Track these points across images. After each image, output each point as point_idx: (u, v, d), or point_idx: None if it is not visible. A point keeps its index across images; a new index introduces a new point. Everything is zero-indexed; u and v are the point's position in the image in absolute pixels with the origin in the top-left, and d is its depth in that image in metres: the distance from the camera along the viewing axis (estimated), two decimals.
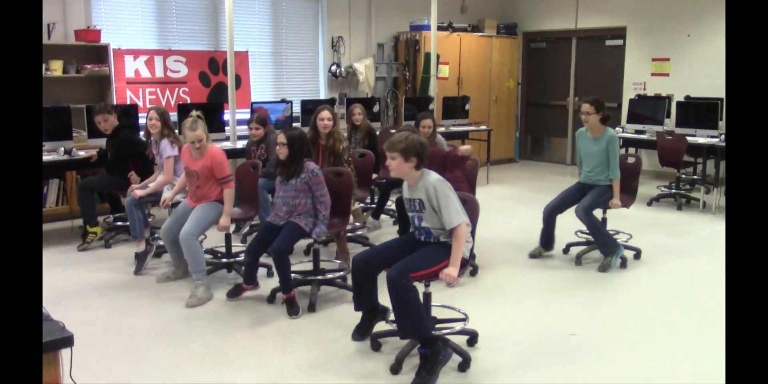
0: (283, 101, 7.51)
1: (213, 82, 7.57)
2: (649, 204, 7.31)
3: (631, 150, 8.90)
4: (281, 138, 4.09)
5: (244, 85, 7.76)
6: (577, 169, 5.34)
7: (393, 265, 3.26)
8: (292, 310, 4.04)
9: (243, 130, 6.88)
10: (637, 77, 9.31)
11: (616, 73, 9.58)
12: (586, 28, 9.86)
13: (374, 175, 5.74)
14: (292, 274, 4.17)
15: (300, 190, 4.10)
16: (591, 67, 10.08)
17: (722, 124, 7.54)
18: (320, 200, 4.13)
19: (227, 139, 6.77)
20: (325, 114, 5.16)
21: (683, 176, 7.62)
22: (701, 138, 7.07)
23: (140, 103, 6.95)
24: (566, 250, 5.33)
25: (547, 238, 5.23)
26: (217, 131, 6.61)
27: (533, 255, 5.25)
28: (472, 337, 3.59)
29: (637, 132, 7.88)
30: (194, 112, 4.38)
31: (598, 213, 5.03)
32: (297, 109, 7.43)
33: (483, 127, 9.01)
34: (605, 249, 4.95)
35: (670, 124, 7.91)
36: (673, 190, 7.49)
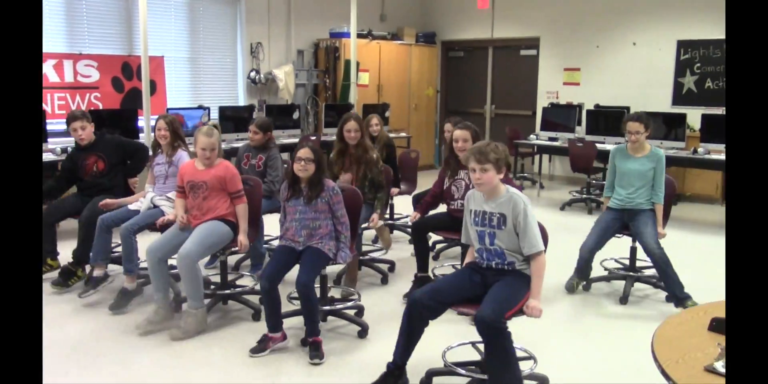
0: (200, 107, 7.38)
1: (127, 88, 7.36)
2: (562, 208, 7.57)
3: (545, 157, 9.22)
4: (306, 153, 3.62)
5: (160, 90, 7.58)
6: (605, 193, 4.77)
7: (464, 303, 2.90)
8: (317, 354, 3.47)
9: None
10: (550, 86, 9.64)
11: (530, 81, 9.89)
12: (502, 38, 10.14)
13: (395, 190, 5.44)
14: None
15: (321, 211, 3.68)
16: (507, 75, 10.37)
17: None
18: (341, 221, 3.73)
19: None
20: (352, 125, 4.65)
21: (593, 181, 7.94)
22: (609, 145, 7.38)
23: (48, 110, 6.68)
24: (588, 287, 4.75)
25: (585, 272, 4.64)
26: (131, 138, 6.42)
27: (569, 287, 4.67)
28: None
29: (550, 139, 8.18)
30: (210, 122, 4.03)
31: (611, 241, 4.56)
32: (215, 115, 7.30)
33: (403, 134, 9.11)
34: (678, 289, 4.25)
35: (581, 131, 8.23)
36: (584, 195, 7.79)
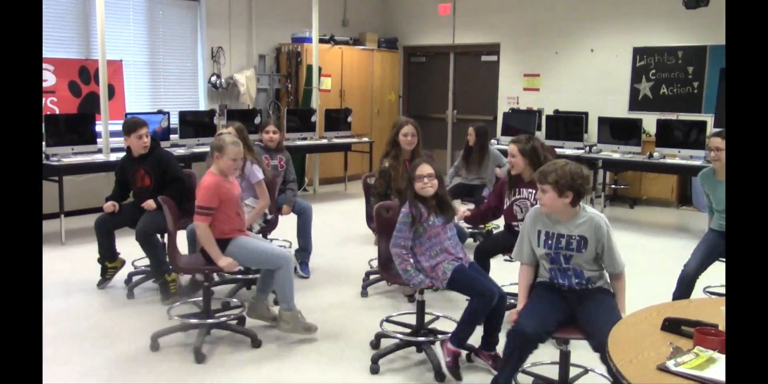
0: (159, 112, 7.29)
1: (84, 92, 7.23)
2: None
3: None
4: (426, 169, 3.42)
5: (118, 95, 7.46)
6: (709, 213, 4.30)
7: (559, 330, 2.81)
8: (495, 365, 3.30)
9: (116, 141, 6.63)
10: (511, 92, 9.76)
11: (491, 87, 9.99)
12: (463, 44, 10.23)
13: None
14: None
15: (450, 227, 3.55)
16: (468, 81, 10.46)
17: (587, 136, 8.04)
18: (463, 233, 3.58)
19: (99, 151, 6.47)
20: (408, 129, 4.50)
21: None
22: (568, 149, 7.50)
23: None
24: None
25: (685, 296, 3.97)
26: (88, 143, 6.33)
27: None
28: None
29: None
30: (225, 130, 4.11)
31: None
32: (175, 120, 7.21)
33: (365, 140, 9.12)
34: None
35: (540, 136, 8.34)
36: None
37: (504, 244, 3.94)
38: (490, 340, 3.38)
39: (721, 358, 1.96)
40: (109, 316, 4.22)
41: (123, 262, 4.81)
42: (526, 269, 3.07)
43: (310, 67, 8.85)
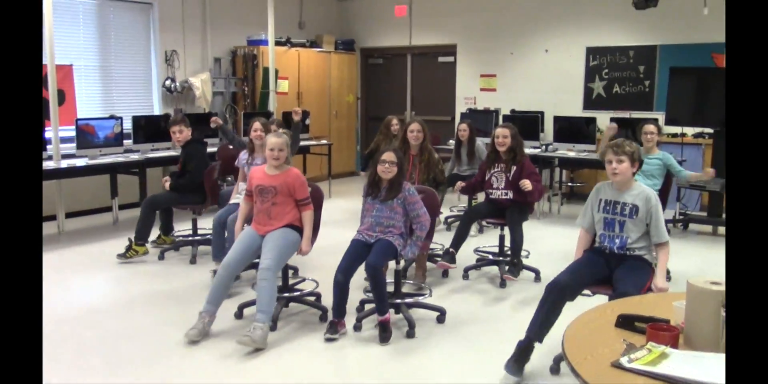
0: (112, 117, 7.14)
1: None
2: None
3: None
4: (390, 156, 3.94)
5: (69, 100, 7.29)
6: None
7: (596, 284, 3.33)
8: (385, 335, 3.81)
9: (66, 148, 6.49)
10: (468, 92, 9.83)
11: (448, 87, 10.05)
12: (420, 45, 10.27)
13: None
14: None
15: (396, 212, 3.97)
16: (426, 82, 10.50)
17: (543, 135, 8.14)
18: (418, 221, 3.98)
19: (50, 158, 6.32)
20: (415, 126, 5.16)
21: None
22: (526, 149, 7.56)
23: None
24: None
25: None
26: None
27: None
28: None
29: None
30: (273, 127, 4.62)
31: None
32: (128, 125, 7.07)
33: (324, 142, 9.08)
34: None
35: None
36: None
37: (483, 210, 5.16)
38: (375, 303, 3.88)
39: (673, 353, 1.99)
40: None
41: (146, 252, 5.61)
42: (585, 235, 3.62)
43: (266, 70, 8.78)
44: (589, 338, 2.18)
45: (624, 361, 1.95)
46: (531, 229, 5.79)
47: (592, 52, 8.75)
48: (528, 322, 3.30)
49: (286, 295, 4.32)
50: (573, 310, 2.65)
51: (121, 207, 7.10)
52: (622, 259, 3.39)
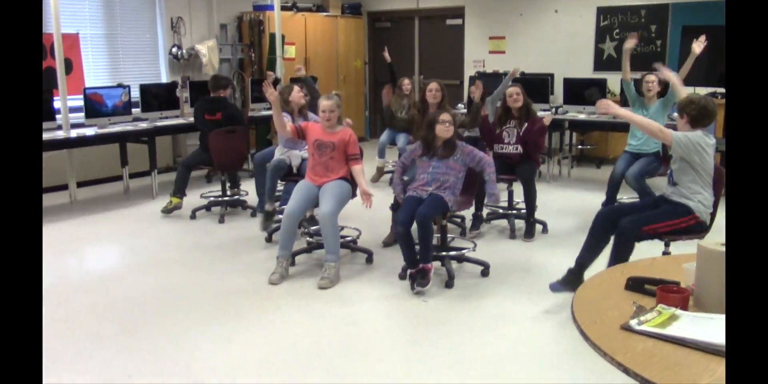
0: (119, 86, 7.11)
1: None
2: None
3: None
4: (447, 117, 4.22)
5: (76, 69, 7.27)
6: None
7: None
8: (423, 282, 4.06)
9: (75, 118, 6.48)
10: (477, 55, 9.71)
11: (456, 51, 9.93)
12: (428, 8, 10.11)
13: None
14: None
15: (452, 168, 4.25)
16: (433, 45, 10.38)
17: (553, 98, 8.06)
18: (482, 164, 4.26)
19: (59, 128, 6.32)
20: (434, 85, 5.41)
21: None
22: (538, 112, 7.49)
23: None
24: None
25: None
26: (47, 120, 6.15)
27: None
28: None
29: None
30: (334, 91, 4.76)
31: None
32: (135, 93, 7.05)
33: None
34: None
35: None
36: None
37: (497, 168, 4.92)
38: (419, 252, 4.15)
39: (683, 315, 2.00)
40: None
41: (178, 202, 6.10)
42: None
43: (273, 36, 8.69)
44: (599, 301, 2.20)
45: (633, 323, 1.96)
46: (542, 193, 5.77)
47: (602, 11, 8.59)
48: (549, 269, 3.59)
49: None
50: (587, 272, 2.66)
51: (132, 175, 7.13)
52: (666, 202, 3.72)
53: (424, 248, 4.08)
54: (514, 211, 5.59)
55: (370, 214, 4.85)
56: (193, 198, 6.28)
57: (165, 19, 8.27)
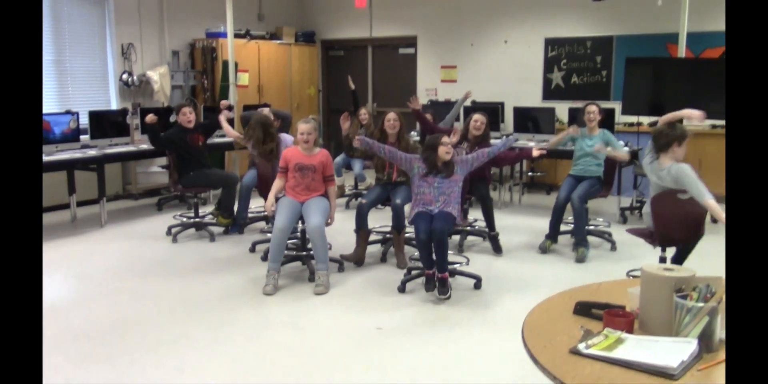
0: (68, 112, 6.99)
1: None
2: None
3: None
4: (448, 139, 4.61)
5: None
6: None
7: None
8: (444, 290, 4.43)
9: None
10: (429, 83, 9.87)
11: (409, 79, 10.08)
12: (380, 37, 10.27)
13: None
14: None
15: (454, 180, 4.59)
16: (387, 74, 10.52)
17: (503, 125, 8.23)
18: (481, 157, 4.72)
19: None
20: (391, 115, 5.50)
21: None
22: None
23: None
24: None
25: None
26: None
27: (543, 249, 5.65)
28: None
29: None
30: (311, 115, 5.21)
31: None
32: (84, 120, 6.94)
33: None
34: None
35: (460, 126, 8.46)
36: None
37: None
38: (436, 261, 4.45)
39: (629, 338, 2.05)
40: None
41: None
42: None
43: (225, 63, 8.68)
44: (548, 326, 2.23)
45: (581, 347, 1.99)
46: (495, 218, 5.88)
47: (550, 42, 8.86)
48: None
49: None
50: (534, 296, 2.70)
51: (79, 203, 6.98)
52: None
53: (442, 260, 4.41)
54: (469, 228, 5.97)
55: (330, 235, 4.99)
56: (144, 226, 6.17)
57: (115, 45, 8.20)
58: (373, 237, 5.57)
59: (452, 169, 4.60)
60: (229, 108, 6.87)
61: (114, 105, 8.23)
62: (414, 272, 4.80)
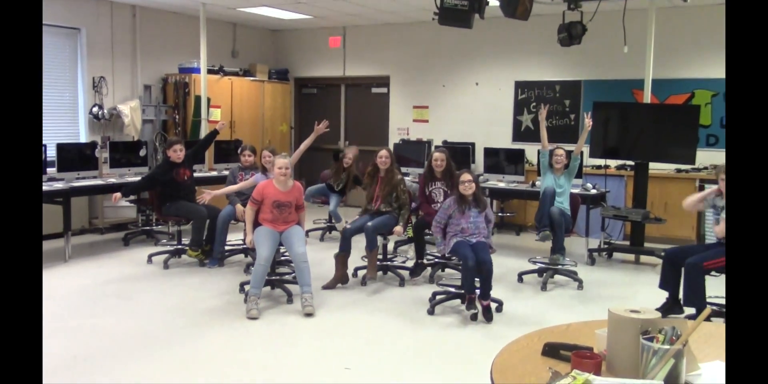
0: None
1: None
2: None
3: None
4: (466, 177, 5.03)
5: None
6: None
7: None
8: (489, 315, 4.82)
9: None
10: (401, 123, 9.97)
11: (382, 118, 10.17)
12: (354, 76, 10.39)
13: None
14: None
15: (481, 215, 5.08)
16: (359, 112, 10.61)
17: (474, 166, 8.31)
18: (489, 219, 5.19)
19: None
20: (383, 153, 5.98)
21: None
22: None
23: None
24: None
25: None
26: None
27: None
28: None
29: (403, 175, 8.39)
30: (284, 153, 5.54)
31: None
32: (52, 153, 6.85)
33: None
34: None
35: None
36: None
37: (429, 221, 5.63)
38: (482, 290, 4.86)
39: (596, 380, 2.04)
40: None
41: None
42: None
43: (198, 98, 8.69)
44: (517, 367, 2.21)
45: None
46: None
47: (520, 85, 9.04)
48: None
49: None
50: (501, 341, 2.69)
51: (45, 237, 6.83)
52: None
53: (487, 287, 4.83)
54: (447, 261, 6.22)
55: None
56: (110, 261, 6.03)
57: (87, 78, 8.16)
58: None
59: (483, 202, 5.15)
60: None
61: (83, 138, 8.15)
62: (438, 297, 5.21)
